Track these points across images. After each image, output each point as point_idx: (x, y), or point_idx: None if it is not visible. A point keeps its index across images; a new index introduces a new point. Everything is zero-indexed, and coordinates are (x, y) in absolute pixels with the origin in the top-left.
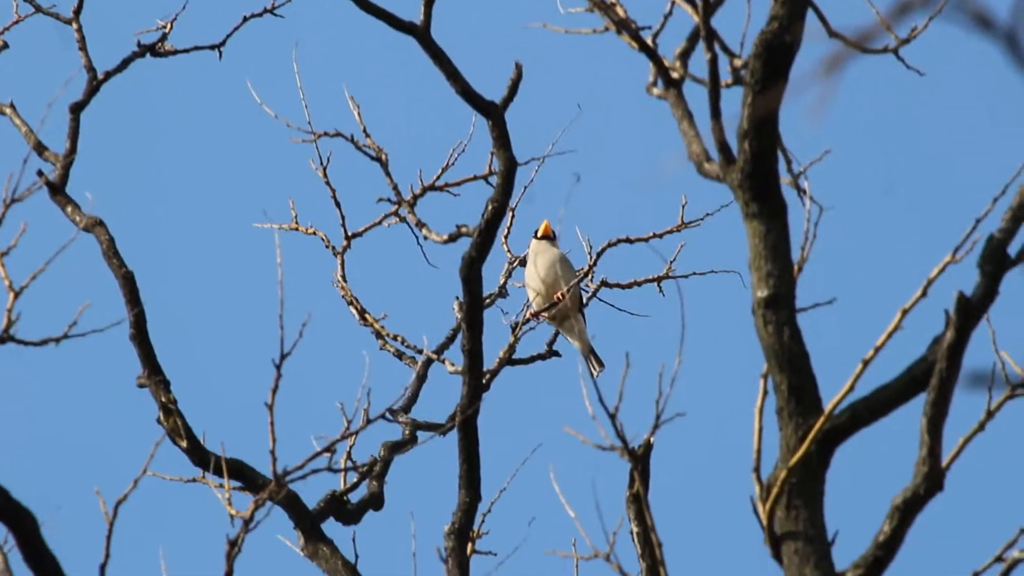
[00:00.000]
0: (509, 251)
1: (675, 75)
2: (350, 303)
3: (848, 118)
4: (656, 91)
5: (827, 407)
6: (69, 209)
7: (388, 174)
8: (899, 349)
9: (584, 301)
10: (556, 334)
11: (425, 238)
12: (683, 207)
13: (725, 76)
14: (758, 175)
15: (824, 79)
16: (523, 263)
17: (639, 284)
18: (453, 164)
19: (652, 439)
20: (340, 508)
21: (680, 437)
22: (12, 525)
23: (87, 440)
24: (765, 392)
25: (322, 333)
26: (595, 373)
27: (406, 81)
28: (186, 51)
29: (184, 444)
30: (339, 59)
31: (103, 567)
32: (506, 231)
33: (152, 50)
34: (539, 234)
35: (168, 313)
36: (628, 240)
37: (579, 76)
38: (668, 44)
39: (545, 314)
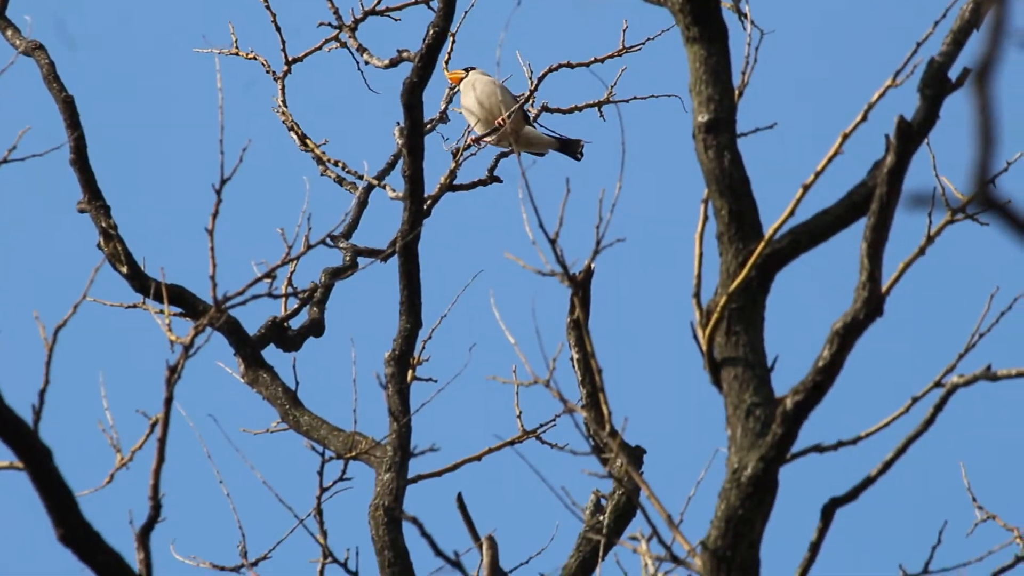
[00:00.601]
0: (450, 76)
1: None
2: (291, 128)
3: None
4: None
5: (767, 232)
6: (9, 33)
7: None
8: (839, 174)
9: (530, 121)
10: (498, 159)
11: (366, 63)
12: (624, 32)
13: None
14: None
15: None
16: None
17: (580, 109)
18: None
19: (593, 265)
20: (280, 334)
21: (620, 263)
22: None
23: (27, 265)
24: (705, 217)
25: (263, 159)
26: (579, 156)
27: None
28: None
29: (124, 270)
30: None
31: (42, 392)
32: (447, 57)
33: None
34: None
35: (108, 138)
36: (569, 65)
37: None
38: None
39: (487, 139)
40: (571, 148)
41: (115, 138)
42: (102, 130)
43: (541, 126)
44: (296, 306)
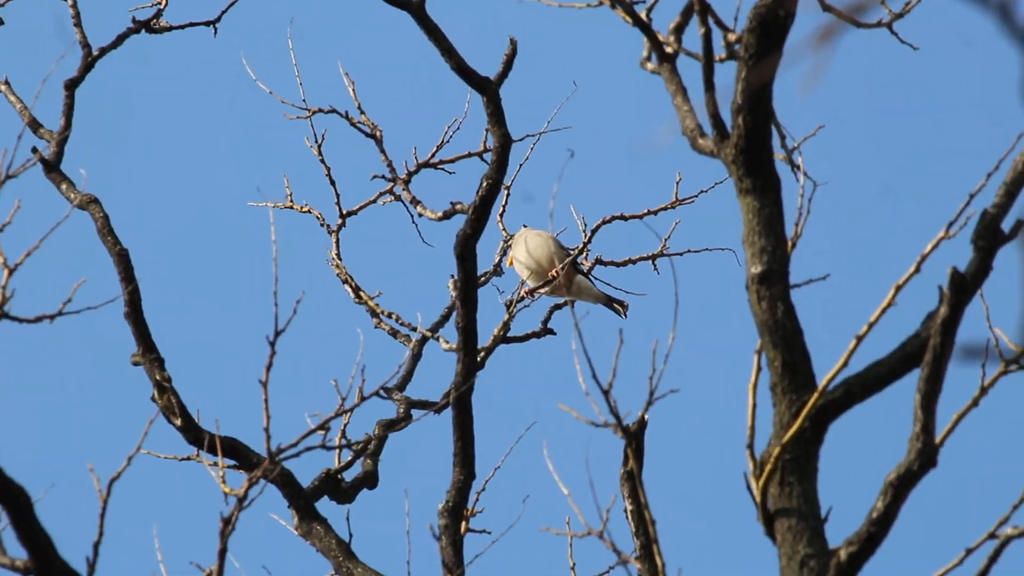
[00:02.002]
0: (504, 229)
1: (669, 50)
2: (345, 281)
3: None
4: (650, 66)
5: (821, 383)
6: (64, 186)
7: (383, 151)
8: (893, 325)
9: (585, 272)
10: (551, 312)
11: (420, 215)
12: (677, 184)
13: (719, 51)
14: (752, 150)
15: (817, 52)
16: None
17: (633, 262)
18: (448, 141)
19: (646, 416)
20: (334, 486)
21: (674, 414)
22: (6, 502)
23: (81, 418)
24: (759, 368)
25: (317, 311)
26: (623, 314)
27: (401, 58)
28: (181, 27)
29: (178, 422)
30: (334, 36)
31: (96, 545)
32: (501, 209)
33: (147, 26)
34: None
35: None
36: (623, 217)
37: (573, 51)
38: (662, 18)
39: (541, 291)
40: (617, 306)
41: (169, 291)
42: (157, 283)
43: (596, 279)
44: (350, 458)
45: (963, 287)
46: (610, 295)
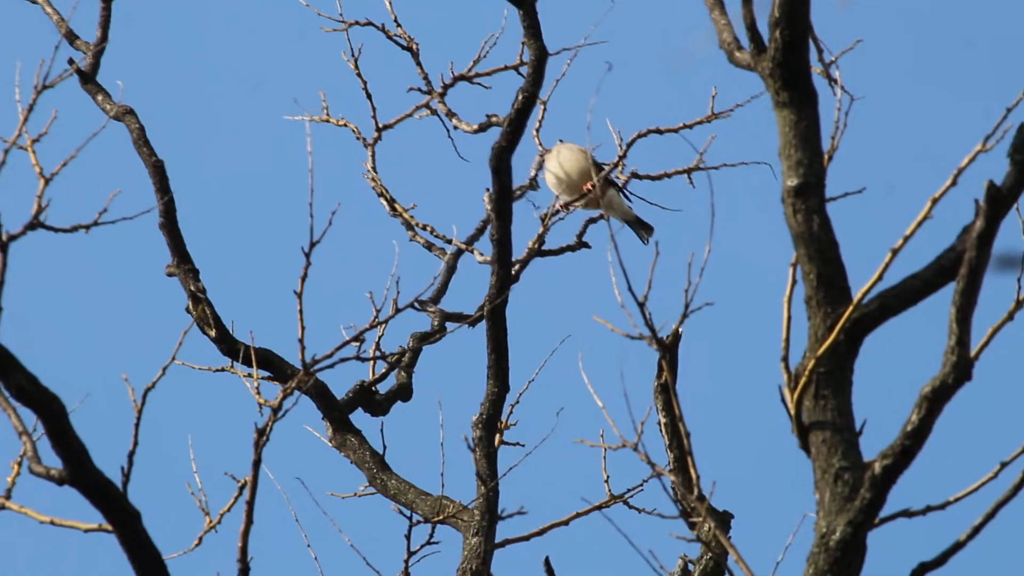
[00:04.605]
0: (540, 143)
1: None
2: (380, 194)
3: (880, 7)
4: None
5: (856, 296)
6: (100, 97)
7: (419, 64)
8: (929, 239)
9: (619, 188)
10: (586, 225)
11: (455, 128)
12: (713, 98)
13: None
14: (789, 63)
15: None
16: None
17: (669, 176)
18: (485, 56)
19: (681, 328)
20: (368, 398)
21: (709, 327)
22: (41, 412)
23: (116, 329)
24: (794, 281)
25: (352, 224)
26: (645, 240)
27: None
28: None
29: (213, 333)
30: None
31: (131, 455)
32: (537, 123)
33: None
34: None
35: (198, 202)
36: (658, 131)
37: None
38: None
39: (575, 204)
40: (642, 229)
41: (204, 202)
42: (192, 195)
43: (631, 193)
44: (384, 370)
45: (999, 200)
46: (639, 216)
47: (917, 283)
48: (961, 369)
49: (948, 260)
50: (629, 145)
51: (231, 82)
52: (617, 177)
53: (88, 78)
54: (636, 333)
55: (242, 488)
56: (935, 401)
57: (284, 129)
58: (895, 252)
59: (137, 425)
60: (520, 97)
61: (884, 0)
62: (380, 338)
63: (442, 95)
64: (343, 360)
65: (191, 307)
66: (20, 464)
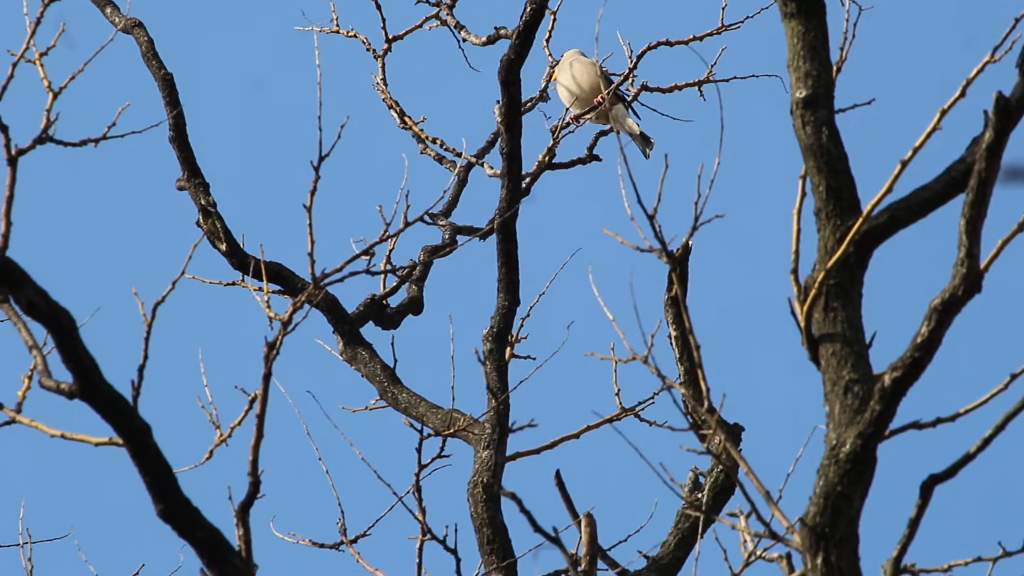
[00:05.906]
0: (550, 54)
1: None
2: (390, 106)
3: None
4: None
5: (865, 208)
6: (108, 10)
7: None
8: (938, 151)
9: (628, 101)
10: (597, 138)
11: (464, 40)
12: (723, 9)
13: None
14: None
15: None
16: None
17: (679, 88)
18: None
19: (691, 241)
20: (379, 312)
21: (719, 240)
22: (50, 326)
23: (126, 243)
24: (804, 193)
25: (362, 137)
26: (647, 154)
27: None
28: None
29: (223, 247)
30: None
31: (141, 368)
32: (547, 34)
33: None
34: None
35: (207, 115)
36: (668, 43)
37: None
38: None
39: (586, 116)
40: (644, 143)
41: (214, 115)
42: (201, 108)
43: (643, 104)
44: (395, 284)
45: (1008, 111)
46: (644, 132)
47: (927, 194)
48: (971, 281)
49: (957, 171)
50: (639, 57)
51: None
52: (627, 90)
53: None
54: (646, 246)
55: (252, 402)
56: (945, 313)
57: (293, 41)
58: (904, 164)
59: (147, 339)
60: (529, 8)
61: None
62: (391, 251)
63: (451, 7)
64: (353, 274)
65: (201, 221)
66: (30, 378)
